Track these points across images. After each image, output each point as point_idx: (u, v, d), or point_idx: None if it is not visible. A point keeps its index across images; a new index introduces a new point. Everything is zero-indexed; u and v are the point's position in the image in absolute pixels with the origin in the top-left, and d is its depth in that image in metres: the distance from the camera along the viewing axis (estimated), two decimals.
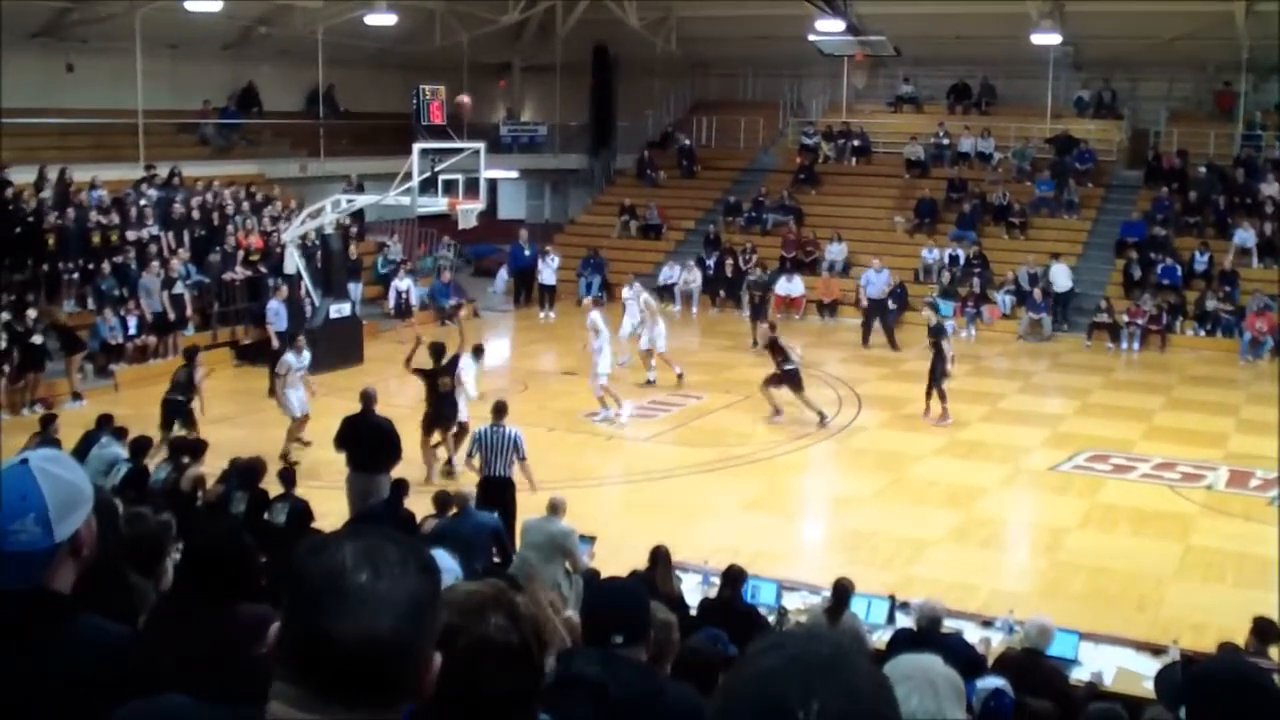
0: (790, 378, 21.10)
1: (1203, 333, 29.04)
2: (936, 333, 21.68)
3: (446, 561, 5.58)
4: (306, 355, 19.59)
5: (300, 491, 13.26)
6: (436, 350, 17.69)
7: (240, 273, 26.70)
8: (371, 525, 2.09)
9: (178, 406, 17.95)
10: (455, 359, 17.82)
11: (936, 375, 21.21)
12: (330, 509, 14.22)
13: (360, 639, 1.86)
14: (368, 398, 15.30)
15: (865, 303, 29.11)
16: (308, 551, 1.97)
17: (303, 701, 1.91)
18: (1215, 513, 16.78)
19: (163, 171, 28.49)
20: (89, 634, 2.63)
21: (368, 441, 14.85)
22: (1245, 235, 30.59)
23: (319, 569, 1.91)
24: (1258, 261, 30.39)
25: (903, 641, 9.15)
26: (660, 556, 10.93)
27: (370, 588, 1.88)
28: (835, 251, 33.14)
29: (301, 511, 12.34)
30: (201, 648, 3.50)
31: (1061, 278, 30.26)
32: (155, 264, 24.73)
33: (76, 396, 21.36)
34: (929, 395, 21.32)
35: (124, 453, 14.09)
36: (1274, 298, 28.50)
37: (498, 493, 13.85)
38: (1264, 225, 30.74)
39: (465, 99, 27.95)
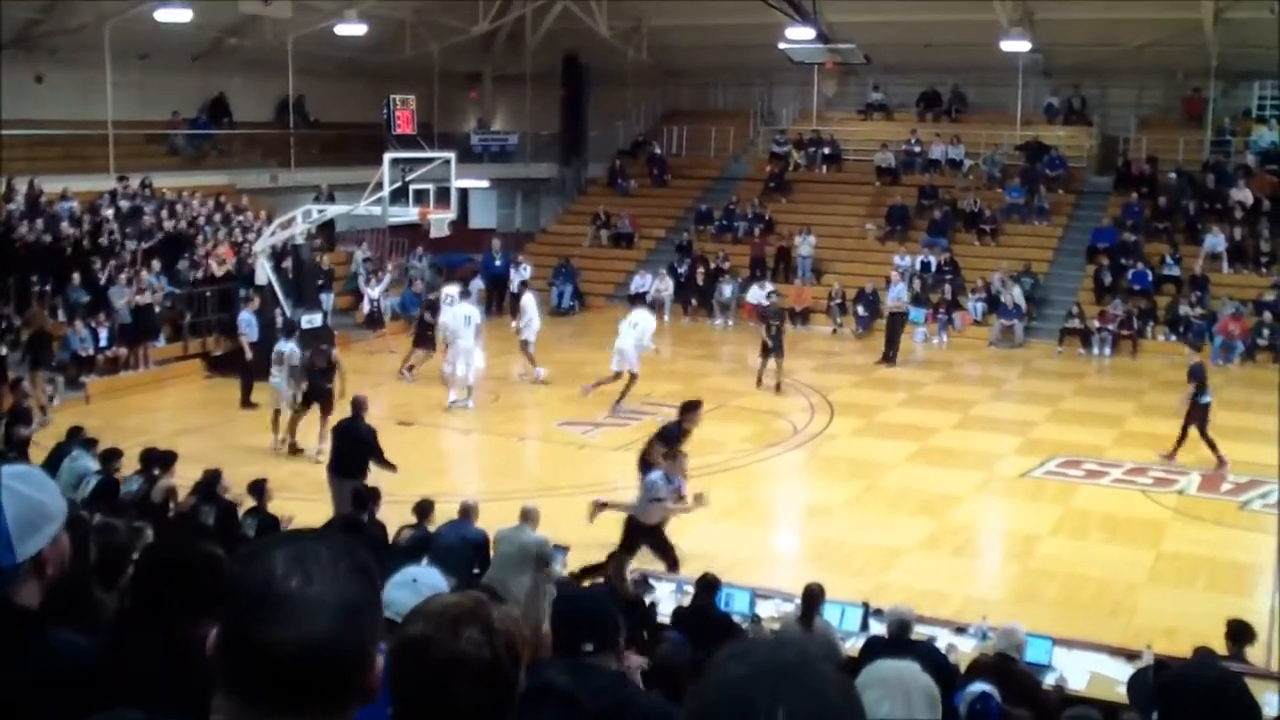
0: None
1: (1174, 338, 29.16)
2: (1197, 374, 19.86)
3: (435, 579, 5.56)
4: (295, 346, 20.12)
5: (274, 501, 13.21)
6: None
7: (214, 269, 26.61)
8: (306, 531, 2.07)
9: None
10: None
11: (1199, 416, 19.36)
12: (304, 519, 14.16)
13: (293, 646, 1.84)
14: (357, 405, 15.50)
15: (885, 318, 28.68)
16: (239, 560, 1.95)
17: (243, 714, 1.88)
18: (1187, 518, 16.85)
19: (133, 182, 28.38)
20: (53, 647, 2.60)
21: (347, 446, 15.15)
22: (1215, 240, 30.75)
23: (249, 577, 1.90)
24: (1227, 266, 30.55)
25: (875, 648, 9.15)
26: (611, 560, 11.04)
27: (301, 593, 1.86)
28: (805, 245, 33.18)
29: (271, 526, 12.28)
30: (166, 661, 3.46)
31: (1014, 292, 30.24)
32: (125, 275, 24.63)
33: (39, 409, 21.18)
34: (1184, 437, 19.37)
35: (94, 465, 13.99)
36: (1244, 302, 28.66)
37: None
38: (1233, 230, 30.90)
39: None
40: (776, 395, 23.85)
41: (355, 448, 15.12)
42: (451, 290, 24.69)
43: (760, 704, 1.60)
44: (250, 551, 1.96)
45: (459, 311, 22.97)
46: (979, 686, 8.04)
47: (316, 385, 19.16)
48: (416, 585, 5.49)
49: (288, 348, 20.00)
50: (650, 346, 22.91)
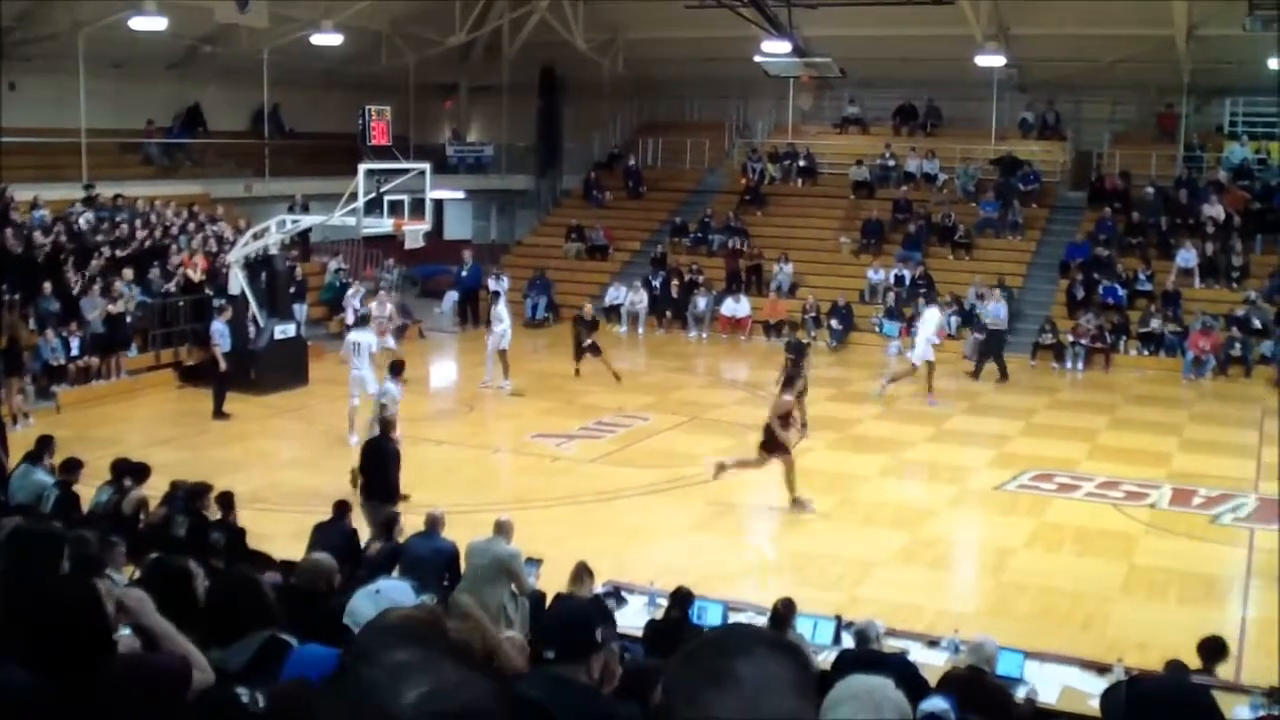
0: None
1: (1146, 352, 29.29)
2: None
3: (399, 591, 5.56)
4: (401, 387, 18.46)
5: (246, 514, 13.16)
6: None
7: (184, 278, 26.47)
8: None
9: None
10: None
11: None
12: (277, 531, 14.14)
13: None
14: (384, 424, 15.22)
15: (982, 334, 28.34)
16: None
17: None
18: (1159, 531, 16.89)
19: (106, 191, 28.26)
20: None
21: (375, 467, 14.89)
22: (1187, 255, 30.90)
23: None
24: (1199, 281, 30.70)
25: (847, 662, 9.14)
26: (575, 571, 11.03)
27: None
28: (783, 273, 33.20)
29: (237, 538, 12.22)
30: (103, 693, 3.43)
31: (991, 305, 30.23)
32: (97, 284, 24.51)
33: (19, 417, 21.04)
34: None
35: (48, 477, 13.69)
36: (1216, 317, 28.81)
37: None
38: (1205, 245, 31.06)
39: None
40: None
41: (382, 468, 14.85)
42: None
43: (736, 640, 1.88)
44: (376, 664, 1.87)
45: (349, 338, 21.91)
46: (934, 704, 8.01)
47: None
48: (379, 597, 5.48)
49: (393, 391, 18.12)
50: (935, 341, 24.67)
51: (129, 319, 24.71)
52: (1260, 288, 29.87)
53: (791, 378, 19.22)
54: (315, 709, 1.82)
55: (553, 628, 4.56)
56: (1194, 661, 9.70)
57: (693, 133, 39.54)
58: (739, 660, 1.83)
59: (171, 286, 26.39)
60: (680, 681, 1.84)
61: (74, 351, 23.29)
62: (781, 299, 32.60)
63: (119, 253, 26.34)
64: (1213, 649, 9.95)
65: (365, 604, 5.51)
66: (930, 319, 25.18)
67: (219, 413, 22.22)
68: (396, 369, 18.51)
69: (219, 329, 23.14)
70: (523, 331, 29.77)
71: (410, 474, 16.57)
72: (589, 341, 25.96)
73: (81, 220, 26.83)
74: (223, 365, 22.68)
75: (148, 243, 27.19)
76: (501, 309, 25.55)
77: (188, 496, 12.93)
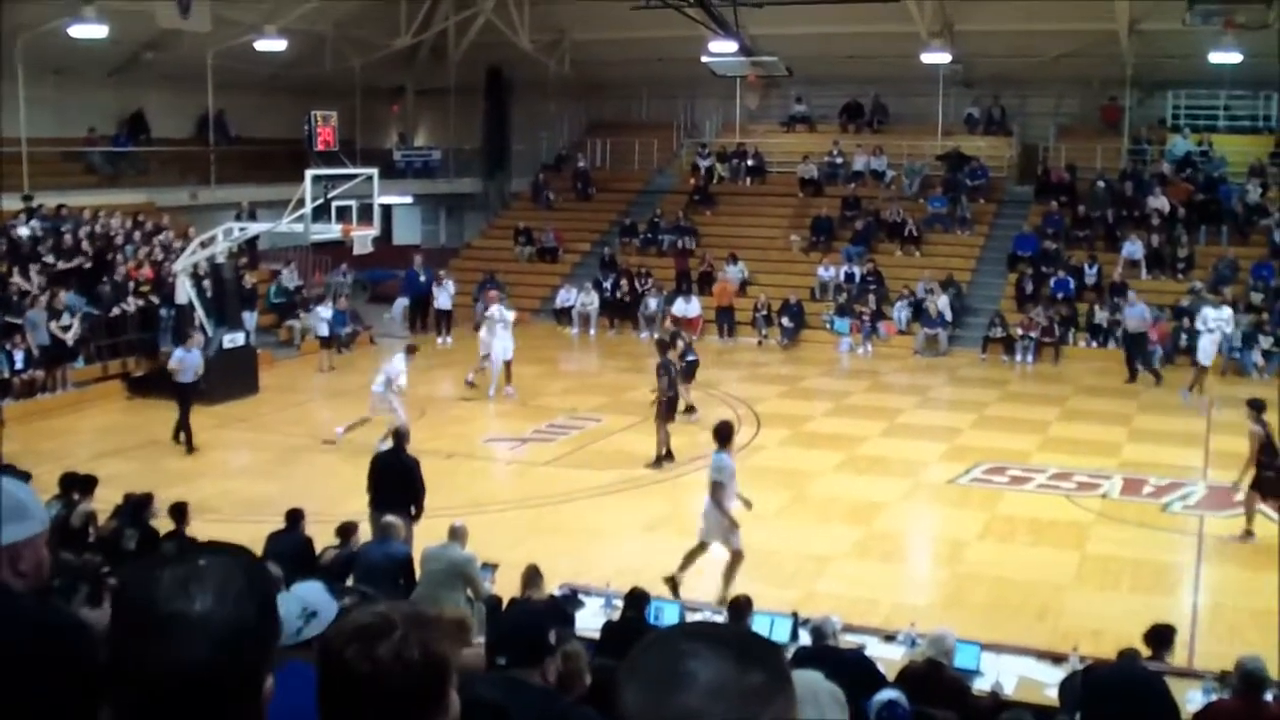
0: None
1: (1095, 344, 29.50)
2: None
3: (318, 594, 5.49)
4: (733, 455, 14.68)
5: (197, 524, 13.04)
6: None
7: (132, 303, 26.16)
8: (204, 547, 2.06)
9: None
10: None
11: None
12: (229, 541, 13.98)
13: (171, 668, 1.81)
14: (399, 436, 14.97)
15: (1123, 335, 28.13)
16: (126, 577, 1.92)
17: None
18: (1110, 520, 17.01)
19: (49, 201, 27.96)
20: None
21: (386, 479, 14.51)
22: (1133, 247, 31.16)
23: (134, 595, 1.86)
24: (1146, 273, 30.95)
25: (804, 659, 9.16)
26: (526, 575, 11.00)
27: (183, 615, 1.83)
28: (734, 273, 33.23)
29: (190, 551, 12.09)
30: None
31: (940, 301, 30.46)
32: (43, 296, 24.23)
33: None
34: None
35: None
36: (1162, 308, 29.04)
37: None
38: (1151, 237, 31.32)
39: None
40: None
41: (397, 482, 14.38)
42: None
43: (676, 638, 1.80)
44: (137, 569, 1.92)
45: (385, 369, 20.61)
46: (886, 694, 8.06)
47: None
48: (288, 596, 5.37)
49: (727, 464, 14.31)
50: (1214, 333, 25.77)
51: (76, 330, 24.37)
52: (1205, 278, 30.16)
53: None
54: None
55: (504, 634, 4.53)
56: (1145, 649, 9.79)
57: (641, 133, 39.54)
58: (689, 660, 1.75)
59: (129, 301, 25.98)
60: (628, 680, 1.79)
61: (19, 365, 22.97)
62: (730, 283, 32.62)
63: (63, 264, 26.07)
64: (1159, 637, 10.02)
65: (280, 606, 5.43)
66: (1213, 318, 26.13)
67: (177, 438, 20.62)
68: (726, 435, 14.52)
69: (180, 357, 21.10)
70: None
71: (363, 480, 16.48)
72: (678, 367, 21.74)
73: (23, 231, 26.53)
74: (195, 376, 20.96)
75: (91, 254, 26.90)
76: (507, 312, 25.10)
77: (135, 509, 12.82)
